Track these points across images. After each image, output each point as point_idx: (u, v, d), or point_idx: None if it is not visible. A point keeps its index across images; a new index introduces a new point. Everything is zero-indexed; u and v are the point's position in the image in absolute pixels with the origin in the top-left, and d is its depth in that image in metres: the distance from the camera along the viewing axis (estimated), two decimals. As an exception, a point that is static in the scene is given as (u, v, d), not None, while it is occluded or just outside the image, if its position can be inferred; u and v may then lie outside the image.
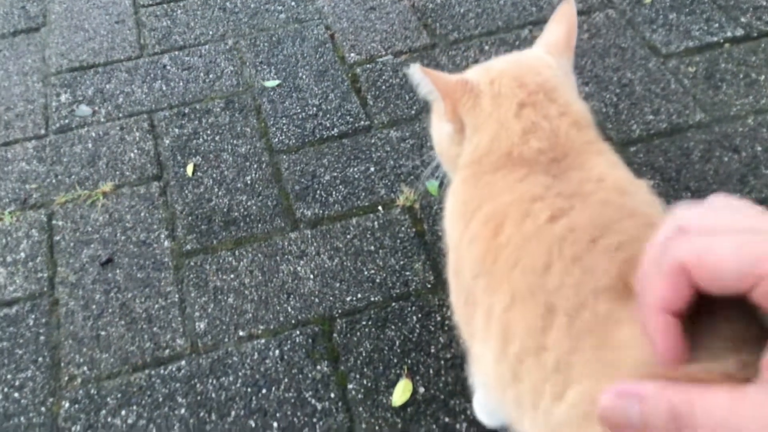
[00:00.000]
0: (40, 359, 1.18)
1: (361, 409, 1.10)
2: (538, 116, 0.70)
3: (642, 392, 0.35)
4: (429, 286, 1.23)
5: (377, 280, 1.26)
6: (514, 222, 0.64)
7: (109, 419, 1.11)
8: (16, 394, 1.14)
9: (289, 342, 1.18)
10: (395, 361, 1.15)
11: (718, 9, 1.72)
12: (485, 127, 0.73)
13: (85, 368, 1.17)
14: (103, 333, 1.21)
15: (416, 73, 0.77)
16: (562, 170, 0.67)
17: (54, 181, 1.45)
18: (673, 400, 0.33)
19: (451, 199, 0.79)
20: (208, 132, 1.53)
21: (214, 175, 1.45)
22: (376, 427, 1.08)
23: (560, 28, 0.81)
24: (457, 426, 1.07)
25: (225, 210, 1.39)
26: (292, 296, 1.25)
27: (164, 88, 1.64)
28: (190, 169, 1.46)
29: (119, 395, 1.13)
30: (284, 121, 1.54)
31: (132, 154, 1.49)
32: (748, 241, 0.33)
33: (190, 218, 1.37)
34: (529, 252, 0.61)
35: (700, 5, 1.73)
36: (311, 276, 1.27)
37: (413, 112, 1.54)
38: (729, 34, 1.66)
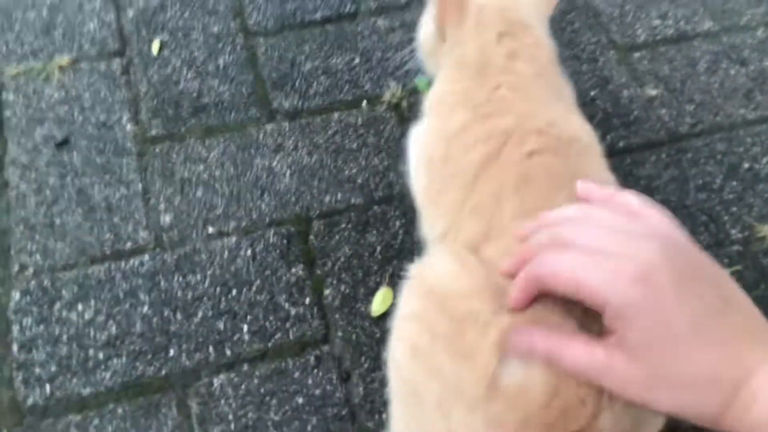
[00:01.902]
0: (-12, 246, 1.08)
1: (337, 316, 1.03)
2: (516, 44, 0.79)
3: (532, 336, 0.55)
4: (414, 189, 1.15)
5: (359, 181, 1.17)
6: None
7: (64, 313, 1.02)
8: (-39, 283, 1.04)
9: (262, 242, 1.10)
10: (375, 268, 1.08)
11: None
12: (468, 45, 0.82)
13: (38, 257, 1.07)
14: (58, 221, 1.11)
15: None
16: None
17: (4, 50, 1.30)
18: (548, 344, 0.54)
19: (438, 88, 0.86)
20: (177, 6, 1.38)
21: (183, 56, 1.32)
22: (353, 336, 1.02)
23: None
24: (439, 338, 1.01)
25: (194, 95, 1.26)
26: (266, 193, 1.15)
27: (128, -46, 1.48)
28: (155, 46, 1.32)
29: (75, 288, 1.04)
30: (262, 0, 1.40)
31: (92, 26, 1.34)
32: (580, 270, 0.52)
33: (155, 101, 1.25)
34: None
35: None
36: (287, 172, 1.18)
37: (403, 0, 1.41)
38: (745, -63, 1.54)
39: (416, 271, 0.69)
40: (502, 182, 0.69)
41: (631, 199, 0.59)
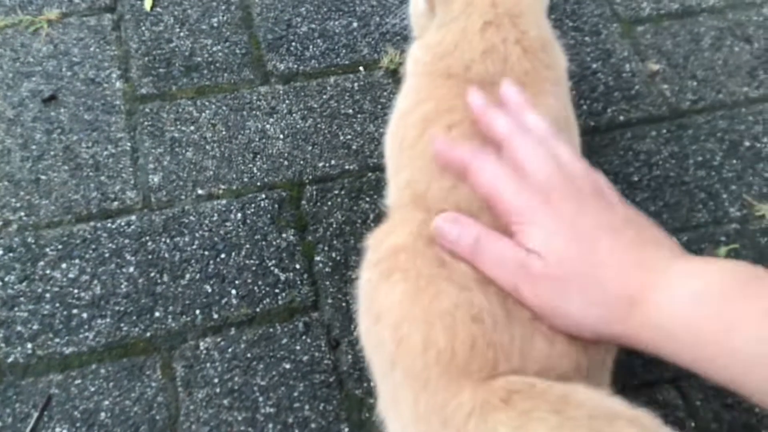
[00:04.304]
0: (-29, 201, 1.05)
1: (327, 283, 1.01)
2: (497, 38, 0.76)
3: (462, 221, 0.60)
4: (410, 157, 1.13)
5: (353, 147, 1.14)
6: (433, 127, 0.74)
7: (47, 271, 1.00)
8: (-58, 237, 1.01)
9: (252, 205, 1.07)
10: (367, 235, 1.06)
11: None
12: (451, 29, 0.79)
13: (22, 214, 1.04)
14: (43, 177, 1.08)
15: None
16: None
17: (-10, 1, 1.27)
18: (478, 232, 0.59)
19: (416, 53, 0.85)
20: (172, -37, 1.34)
21: (176, 13, 1.28)
22: (343, 303, 1.00)
23: None
24: (431, 308, 0.99)
25: (187, 54, 1.23)
26: (258, 156, 1.13)
27: None
28: (148, 2, 1.28)
29: (60, 246, 1.02)
30: (259, -40, 1.36)
31: (82, -20, 1.30)
32: (499, 181, 0.59)
33: (146, 59, 1.22)
34: None
35: None
36: (281, 136, 1.15)
37: (404, -36, 1.38)
38: None
39: (373, 240, 0.70)
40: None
41: (543, 125, 0.66)
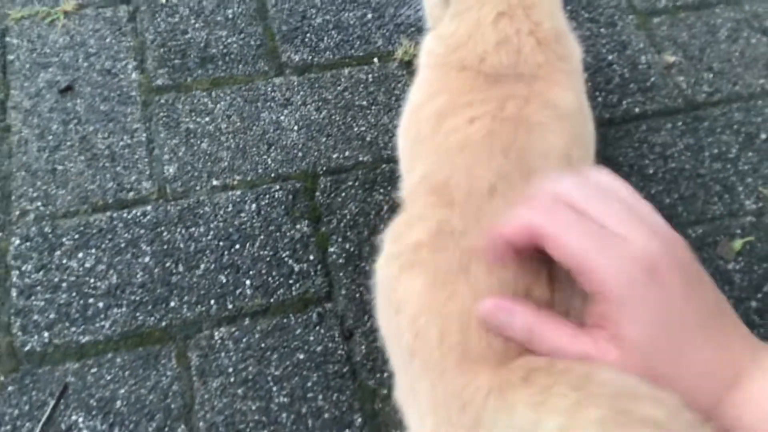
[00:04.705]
0: (-11, 191, 1.06)
1: (341, 274, 1.02)
2: (511, 30, 0.75)
3: (512, 309, 0.52)
4: (424, 149, 1.13)
5: (367, 139, 1.15)
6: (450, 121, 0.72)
7: (64, 261, 1.01)
8: (-39, 227, 1.02)
9: (267, 196, 1.08)
10: (381, 227, 1.06)
11: None
12: (464, 20, 0.78)
13: (39, 204, 1.05)
14: (60, 167, 1.09)
15: None
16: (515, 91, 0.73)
17: (8, -7, 1.27)
18: (533, 323, 0.50)
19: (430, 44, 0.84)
20: (187, -45, 1.35)
21: (191, 4, 1.29)
22: (357, 294, 1.00)
23: None
24: (444, 300, 1.00)
25: (202, 45, 1.24)
26: (273, 147, 1.13)
27: None
28: (164, -6, 1.29)
29: (76, 236, 1.03)
30: (274, -49, 1.37)
31: (98, -29, 1.31)
32: (588, 244, 0.46)
33: (162, 50, 1.22)
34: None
35: None
36: (295, 127, 1.15)
37: (419, -44, 1.38)
38: None
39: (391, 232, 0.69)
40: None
41: (618, 185, 0.51)
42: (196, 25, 1.26)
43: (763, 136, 1.16)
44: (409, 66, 1.22)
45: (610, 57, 1.25)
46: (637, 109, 1.19)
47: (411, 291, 0.61)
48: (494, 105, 0.71)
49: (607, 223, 0.47)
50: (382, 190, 1.10)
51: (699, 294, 0.47)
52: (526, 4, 0.77)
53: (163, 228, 1.04)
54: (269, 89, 1.19)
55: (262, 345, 0.96)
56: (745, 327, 0.49)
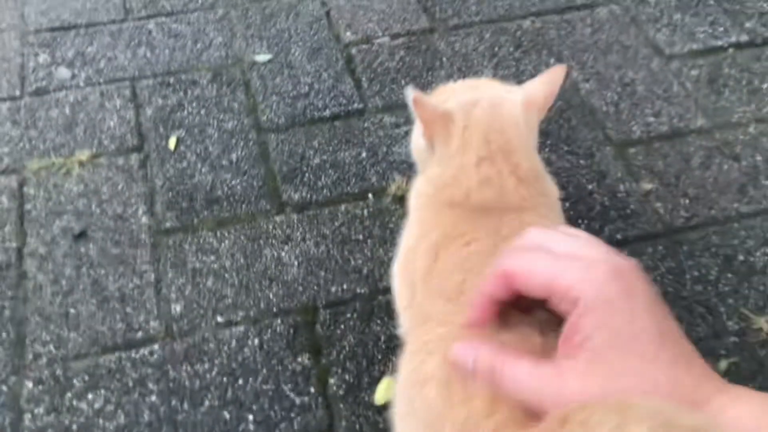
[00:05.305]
0: (4, 335, 1.11)
1: (341, 405, 1.05)
2: (492, 171, 0.82)
3: (477, 350, 0.53)
4: (418, 280, 1.18)
5: (364, 271, 1.21)
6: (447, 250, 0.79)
7: (74, 402, 1.05)
8: (-24, 371, 1.07)
9: (269, 331, 1.13)
10: (380, 357, 1.10)
11: (724, 12, 1.68)
12: (450, 164, 0.84)
13: (52, 347, 1.10)
14: (72, 310, 1.14)
15: (409, 96, 0.84)
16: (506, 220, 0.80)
17: (27, 146, 1.37)
18: (493, 360, 0.51)
19: (415, 203, 0.91)
20: (194, 105, 1.46)
21: (198, 151, 1.38)
22: (357, 426, 1.03)
23: (543, 89, 0.87)
24: (442, 429, 1.02)
25: (208, 188, 1.32)
26: (274, 283, 1.19)
27: (149, 54, 1.57)
28: (172, 142, 1.39)
29: (86, 377, 1.07)
30: (274, 99, 1.48)
31: (111, 123, 1.42)
32: (550, 271, 0.49)
33: (170, 194, 1.31)
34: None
35: (705, 7, 1.70)
36: (295, 263, 1.22)
37: (408, 97, 1.48)
38: (734, 39, 1.62)
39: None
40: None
41: (579, 231, 0.57)
42: (203, 170, 1.35)
43: (740, 257, 1.22)
44: (401, 200, 1.30)
45: (590, 186, 1.33)
46: (618, 235, 1.25)
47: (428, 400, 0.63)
48: (489, 230, 0.77)
49: (572, 251, 0.51)
50: (379, 321, 1.14)
51: (662, 313, 0.49)
52: (505, 150, 0.83)
53: (169, 366, 1.08)
54: (271, 227, 1.27)
55: (265, 481, 0.98)
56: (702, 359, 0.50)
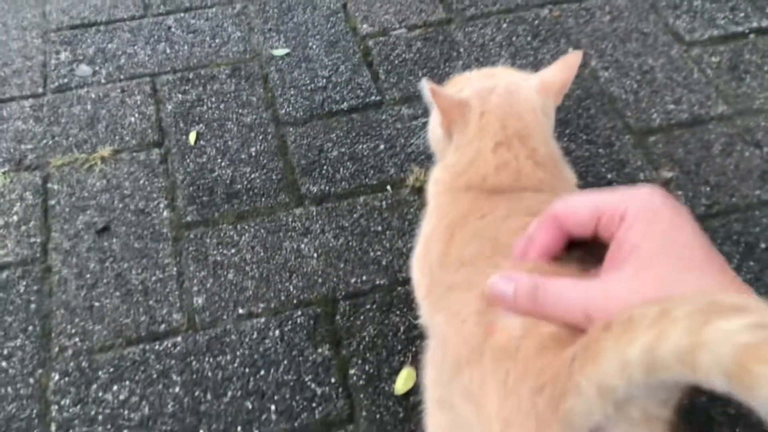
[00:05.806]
0: (30, 328, 1.13)
1: (362, 395, 1.06)
2: (509, 155, 0.83)
3: (516, 277, 0.53)
4: (437, 271, 1.19)
5: (383, 263, 1.21)
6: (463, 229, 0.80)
7: (100, 394, 1.06)
8: (4, 363, 1.09)
9: (289, 322, 1.14)
10: (399, 347, 1.11)
11: (745, -2, 1.66)
12: (467, 150, 0.85)
13: (77, 339, 1.12)
14: (96, 304, 1.16)
15: (425, 87, 0.86)
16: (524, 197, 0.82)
17: (51, 142, 1.40)
18: (535, 280, 0.52)
19: (433, 190, 0.92)
20: (213, 99, 1.47)
21: (218, 145, 1.40)
22: (377, 415, 1.04)
23: (559, 75, 0.88)
24: (462, 418, 1.03)
25: (228, 182, 1.34)
26: (294, 275, 1.20)
27: (168, 50, 1.58)
28: (192, 137, 1.40)
29: (111, 369, 1.09)
30: (292, 92, 1.49)
31: (132, 119, 1.43)
32: (596, 198, 0.51)
33: (191, 188, 1.32)
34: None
35: (726, -7, 1.68)
36: (315, 255, 1.23)
37: (426, 89, 1.48)
38: (755, 24, 1.60)
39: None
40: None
41: None
42: (223, 164, 1.36)
43: (762, 245, 1.21)
44: (420, 192, 1.30)
45: (609, 176, 1.32)
46: (638, 224, 1.24)
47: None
48: (505, 206, 0.78)
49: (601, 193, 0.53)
50: (398, 312, 1.15)
51: (700, 231, 0.49)
52: (522, 135, 0.84)
53: (192, 358, 1.10)
54: (290, 219, 1.28)
55: (288, 470, 0.99)
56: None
